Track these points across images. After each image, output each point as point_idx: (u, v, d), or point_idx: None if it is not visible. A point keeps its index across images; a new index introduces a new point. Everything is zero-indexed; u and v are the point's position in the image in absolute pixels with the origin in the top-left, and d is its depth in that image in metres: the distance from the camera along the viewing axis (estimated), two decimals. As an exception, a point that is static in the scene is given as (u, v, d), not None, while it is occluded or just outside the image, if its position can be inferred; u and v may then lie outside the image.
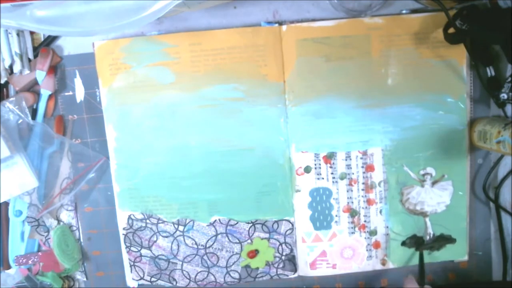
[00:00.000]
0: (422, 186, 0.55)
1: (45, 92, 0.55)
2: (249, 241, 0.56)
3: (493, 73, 0.52)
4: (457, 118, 0.54)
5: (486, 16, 0.48)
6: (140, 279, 0.58)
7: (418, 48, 0.53)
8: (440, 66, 0.53)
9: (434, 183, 0.55)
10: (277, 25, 0.53)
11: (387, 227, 0.56)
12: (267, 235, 0.56)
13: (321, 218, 0.56)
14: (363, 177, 0.55)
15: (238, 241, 0.57)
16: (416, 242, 0.56)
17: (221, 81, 0.53)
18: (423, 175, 0.55)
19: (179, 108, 0.54)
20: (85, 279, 0.60)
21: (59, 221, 0.58)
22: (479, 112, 0.55)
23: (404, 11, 0.53)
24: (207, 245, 0.57)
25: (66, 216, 0.58)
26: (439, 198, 0.55)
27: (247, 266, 0.57)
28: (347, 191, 0.56)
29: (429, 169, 0.55)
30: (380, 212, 0.56)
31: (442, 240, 0.56)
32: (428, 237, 0.56)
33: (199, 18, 0.54)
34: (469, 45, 0.50)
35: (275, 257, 0.57)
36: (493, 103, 0.54)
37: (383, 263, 0.57)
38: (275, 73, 0.53)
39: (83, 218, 0.58)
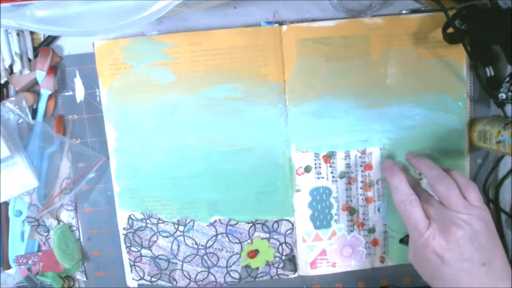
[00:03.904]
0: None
1: (45, 92, 0.55)
2: (249, 241, 0.57)
3: (492, 73, 0.52)
4: (456, 118, 0.54)
5: (486, 16, 0.48)
6: (140, 279, 0.58)
7: (418, 48, 0.53)
8: (440, 66, 0.53)
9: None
10: (277, 25, 0.53)
11: (385, 224, 0.56)
12: (267, 235, 0.56)
13: (321, 217, 0.56)
14: (362, 175, 0.56)
15: (238, 241, 0.57)
16: None
17: (221, 81, 0.53)
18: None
19: (179, 108, 0.54)
20: (85, 279, 0.60)
21: (59, 221, 0.58)
22: (479, 112, 0.55)
23: (404, 11, 0.53)
24: (207, 245, 0.57)
25: (66, 216, 0.58)
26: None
27: (247, 266, 0.57)
28: (346, 189, 0.56)
29: None
30: (378, 210, 0.56)
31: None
32: None
33: (199, 18, 0.54)
34: (468, 45, 0.50)
35: (275, 257, 0.57)
36: (493, 103, 0.54)
37: (382, 260, 0.57)
38: (275, 73, 0.53)
39: (83, 218, 0.58)
